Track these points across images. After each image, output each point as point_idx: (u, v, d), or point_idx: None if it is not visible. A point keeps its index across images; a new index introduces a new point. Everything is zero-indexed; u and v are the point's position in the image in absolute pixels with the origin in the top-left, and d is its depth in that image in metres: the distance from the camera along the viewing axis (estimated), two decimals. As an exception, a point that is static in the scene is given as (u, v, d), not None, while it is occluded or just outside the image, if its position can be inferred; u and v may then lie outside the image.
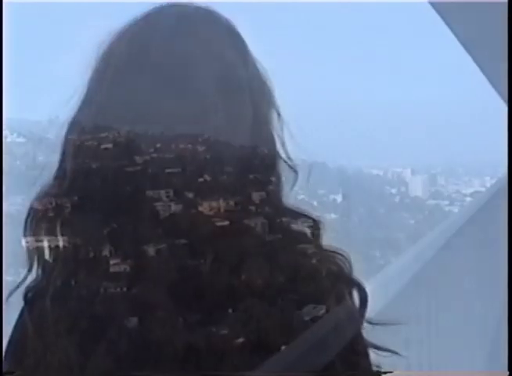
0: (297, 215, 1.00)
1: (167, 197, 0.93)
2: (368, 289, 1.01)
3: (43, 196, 0.96)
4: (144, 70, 0.98)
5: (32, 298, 0.95)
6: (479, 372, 4.60)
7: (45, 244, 0.95)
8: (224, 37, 1.02)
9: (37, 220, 0.96)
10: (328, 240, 1.01)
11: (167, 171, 0.94)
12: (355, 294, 1.00)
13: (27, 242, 0.97)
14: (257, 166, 1.00)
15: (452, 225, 4.77)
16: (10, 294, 0.96)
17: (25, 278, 0.96)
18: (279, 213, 0.99)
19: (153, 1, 1.05)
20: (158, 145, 0.95)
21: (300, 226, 1.00)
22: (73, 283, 0.92)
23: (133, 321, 0.88)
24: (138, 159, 0.94)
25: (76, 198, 0.95)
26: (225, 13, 1.04)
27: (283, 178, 1.03)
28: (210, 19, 1.03)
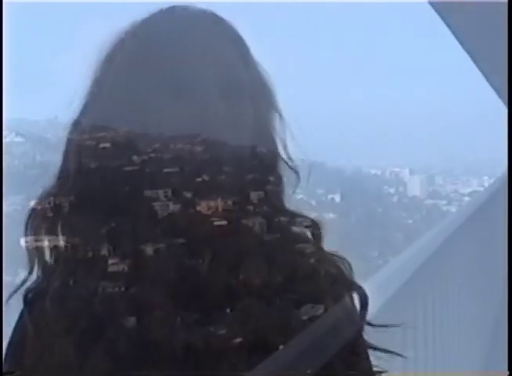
0: (296, 215, 1.01)
1: (166, 196, 0.93)
2: (366, 289, 1.01)
3: (46, 196, 0.97)
4: (145, 71, 0.98)
5: (32, 298, 0.95)
6: (479, 372, 4.60)
7: (46, 244, 0.95)
8: (225, 39, 1.02)
9: (40, 220, 0.96)
10: (326, 239, 1.01)
11: (166, 170, 0.94)
12: (356, 297, 1.00)
13: (27, 242, 0.97)
14: (256, 166, 1.00)
15: (450, 225, 4.77)
16: (10, 296, 0.96)
17: (25, 280, 0.96)
18: (277, 213, 0.99)
19: (153, 1, 1.05)
20: (157, 145, 0.95)
21: (298, 226, 1.00)
22: (72, 283, 0.92)
23: (131, 321, 0.88)
24: (136, 159, 0.95)
25: (77, 198, 0.95)
26: (225, 14, 1.04)
27: (284, 179, 1.03)
28: (212, 22, 1.03)
